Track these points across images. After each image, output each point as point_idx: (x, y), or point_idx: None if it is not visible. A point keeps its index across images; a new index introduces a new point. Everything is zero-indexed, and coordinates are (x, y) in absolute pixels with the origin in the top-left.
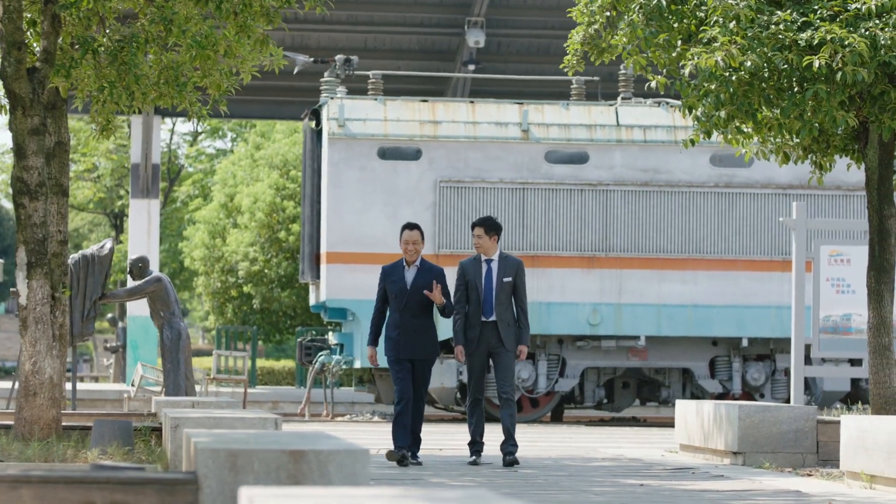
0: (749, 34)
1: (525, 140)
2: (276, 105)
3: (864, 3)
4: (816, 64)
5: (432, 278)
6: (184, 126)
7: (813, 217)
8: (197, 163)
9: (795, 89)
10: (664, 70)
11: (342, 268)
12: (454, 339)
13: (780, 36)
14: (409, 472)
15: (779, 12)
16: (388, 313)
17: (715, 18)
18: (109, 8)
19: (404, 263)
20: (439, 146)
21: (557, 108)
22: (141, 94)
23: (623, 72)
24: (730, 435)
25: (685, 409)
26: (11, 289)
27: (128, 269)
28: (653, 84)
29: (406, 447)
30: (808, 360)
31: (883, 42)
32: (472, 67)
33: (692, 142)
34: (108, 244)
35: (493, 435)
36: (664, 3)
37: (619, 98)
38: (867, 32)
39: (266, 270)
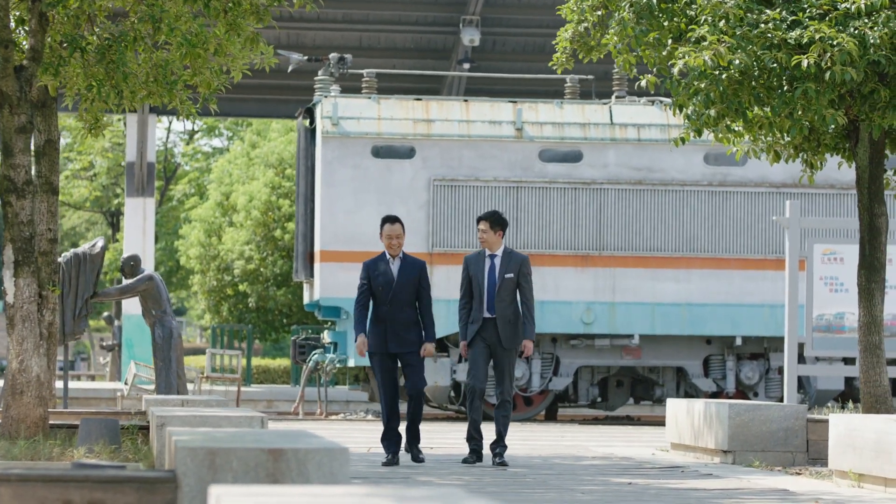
0: (738, 33)
1: (519, 139)
2: (270, 104)
3: (854, 1)
4: (805, 63)
5: (416, 270)
6: (180, 124)
7: (806, 216)
8: (193, 161)
9: (785, 88)
10: (654, 69)
11: (336, 266)
12: (459, 335)
13: (769, 35)
14: (399, 471)
15: (768, 11)
16: (370, 307)
17: (704, 17)
18: (99, 6)
19: (388, 257)
20: (433, 145)
21: (551, 106)
22: (129, 92)
23: (617, 70)
24: (720, 433)
25: (676, 408)
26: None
27: (120, 268)
28: (643, 83)
29: (395, 453)
30: (801, 359)
31: (872, 41)
32: (466, 66)
33: (682, 140)
34: (100, 243)
35: (485, 434)
36: (654, 1)
37: (613, 97)
38: (856, 31)
39: (262, 269)
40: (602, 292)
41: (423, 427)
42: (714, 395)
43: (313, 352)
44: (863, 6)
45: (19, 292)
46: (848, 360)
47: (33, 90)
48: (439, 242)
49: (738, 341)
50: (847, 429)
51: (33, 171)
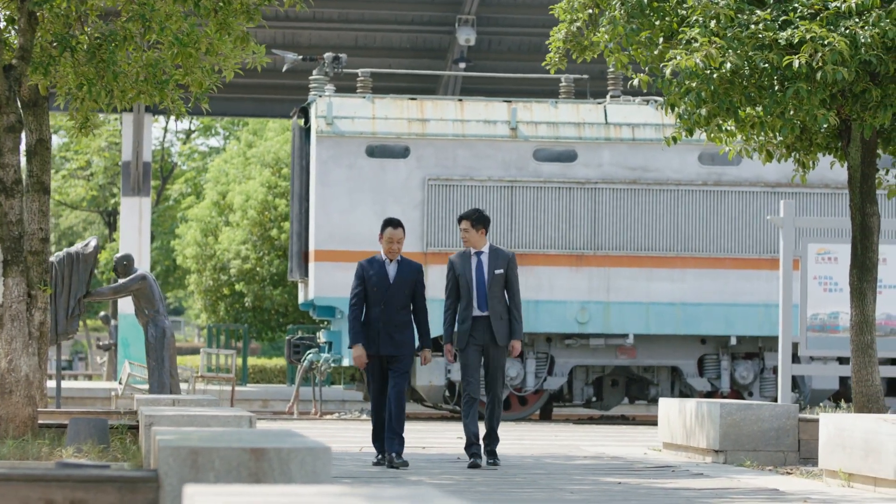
0: (728, 34)
1: (513, 138)
2: (265, 103)
3: (845, 1)
4: (796, 63)
5: (413, 273)
6: (177, 124)
7: (801, 215)
8: (190, 161)
9: (776, 87)
10: (646, 67)
11: (330, 266)
12: (443, 337)
13: (760, 35)
14: (389, 471)
15: (759, 11)
16: (364, 309)
17: (695, 18)
18: (91, 5)
19: (384, 258)
20: (427, 144)
21: (546, 106)
22: (120, 92)
23: (612, 70)
24: (711, 433)
25: (668, 408)
26: None
27: (113, 268)
28: (635, 82)
29: (384, 453)
30: (796, 359)
31: (863, 41)
32: (462, 65)
33: (674, 139)
34: (93, 242)
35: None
36: (645, 0)
37: (607, 96)
38: (847, 31)
39: (258, 268)
40: (597, 292)
41: (419, 426)
42: (709, 395)
43: (308, 351)
44: (854, 6)
45: (8, 292)
46: (842, 360)
47: (24, 89)
48: (434, 242)
49: (733, 341)
50: (837, 428)
51: (25, 171)
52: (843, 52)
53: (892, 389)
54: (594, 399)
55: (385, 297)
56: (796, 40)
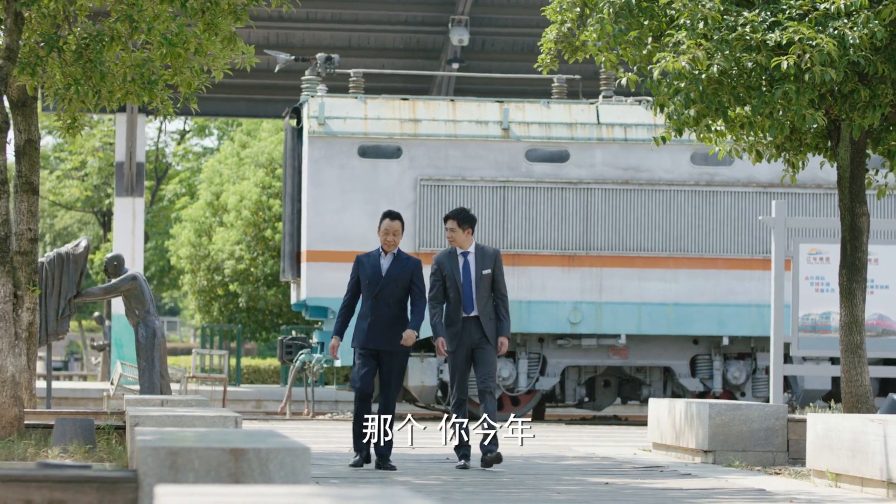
0: (716, 37)
1: (506, 138)
2: (258, 103)
3: (833, 2)
4: (785, 65)
5: (409, 268)
6: (171, 124)
7: (793, 215)
8: (184, 161)
9: (765, 88)
10: (635, 67)
11: (322, 266)
12: (433, 332)
13: (748, 37)
14: (377, 471)
15: (746, 13)
16: (358, 303)
17: (682, 21)
18: (80, 5)
19: (381, 252)
20: (419, 144)
21: (538, 106)
22: (108, 92)
23: (604, 70)
24: (700, 433)
25: (658, 408)
26: None
27: (103, 268)
28: (623, 81)
29: (364, 455)
30: (788, 359)
31: (852, 41)
32: (456, 66)
33: (663, 139)
34: (83, 242)
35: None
36: (633, 0)
37: (600, 96)
38: (836, 32)
39: (252, 269)
40: (589, 292)
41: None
42: (701, 395)
43: (300, 352)
44: (842, 6)
45: None
46: (834, 360)
47: (11, 89)
48: (426, 242)
49: (725, 341)
50: (825, 428)
51: (14, 171)
52: (832, 53)
53: (884, 389)
54: (586, 399)
55: (376, 290)
56: (785, 41)
